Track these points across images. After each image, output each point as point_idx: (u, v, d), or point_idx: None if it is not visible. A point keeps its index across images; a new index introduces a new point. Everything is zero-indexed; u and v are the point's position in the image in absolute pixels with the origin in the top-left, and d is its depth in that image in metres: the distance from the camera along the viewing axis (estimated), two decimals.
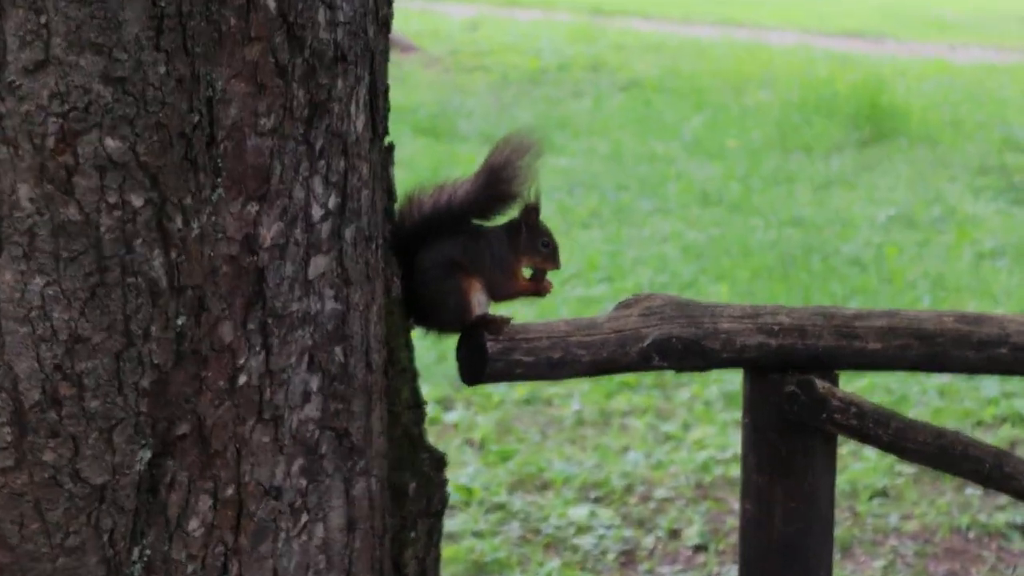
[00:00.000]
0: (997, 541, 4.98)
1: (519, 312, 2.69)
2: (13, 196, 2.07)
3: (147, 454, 2.19)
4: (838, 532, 4.80)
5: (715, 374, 6.06)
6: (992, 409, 5.96)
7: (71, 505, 2.15)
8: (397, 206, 2.65)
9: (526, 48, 15.77)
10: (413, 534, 2.67)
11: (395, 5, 2.59)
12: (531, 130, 2.67)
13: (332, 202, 2.36)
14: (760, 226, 8.88)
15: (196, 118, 2.17)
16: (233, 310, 2.24)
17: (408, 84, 13.38)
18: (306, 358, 2.34)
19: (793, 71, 14.45)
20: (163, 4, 2.11)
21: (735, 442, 5.50)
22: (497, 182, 2.60)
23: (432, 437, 5.56)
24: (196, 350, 2.22)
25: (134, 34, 2.09)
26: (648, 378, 6.23)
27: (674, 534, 5.00)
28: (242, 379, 2.27)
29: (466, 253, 2.60)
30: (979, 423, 5.88)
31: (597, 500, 5.23)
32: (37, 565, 2.15)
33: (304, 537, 2.38)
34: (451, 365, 2.68)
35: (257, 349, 2.28)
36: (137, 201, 2.13)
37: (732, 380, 6.03)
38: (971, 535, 5.01)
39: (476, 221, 2.65)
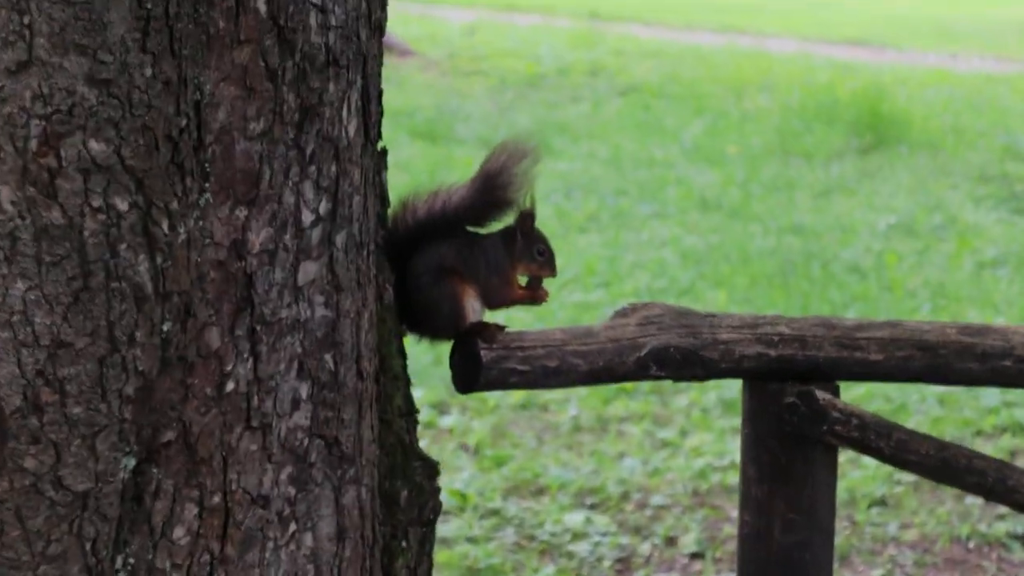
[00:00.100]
0: (997, 551, 4.94)
1: (515, 317, 2.66)
2: None
3: (131, 461, 2.16)
4: (836, 541, 4.76)
5: (713, 381, 6.03)
6: (992, 419, 5.93)
7: (53, 513, 2.11)
8: (391, 211, 2.62)
9: (525, 53, 15.76)
10: (404, 543, 2.64)
11: (393, 10, 2.56)
12: (528, 136, 2.64)
13: (323, 207, 2.32)
14: (759, 232, 8.86)
15: (183, 121, 2.13)
16: (220, 316, 2.21)
17: (405, 88, 13.37)
18: (295, 365, 2.31)
19: (794, 78, 14.45)
20: (149, 5, 2.08)
21: (733, 449, 5.48)
22: (493, 188, 2.58)
23: (427, 441, 5.56)
24: (182, 356, 2.18)
25: (119, 35, 2.06)
26: (646, 384, 6.20)
27: (670, 541, 4.97)
28: (229, 386, 2.23)
29: (461, 259, 2.58)
30: (979, 432, 5.85)
31: (593, 506, 5.20)
32: (18, 573, 2.12)
33: (292, 547, 2.34)
34: (446, 368, 2.67)
35: (245, 356, 2.24)
36: (122, 205, 2.09)
37: (730, 387, 6.00)
38: (971, 545, 4.97)
39: (471, 228, 2.62)
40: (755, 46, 17.21)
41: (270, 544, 2.31)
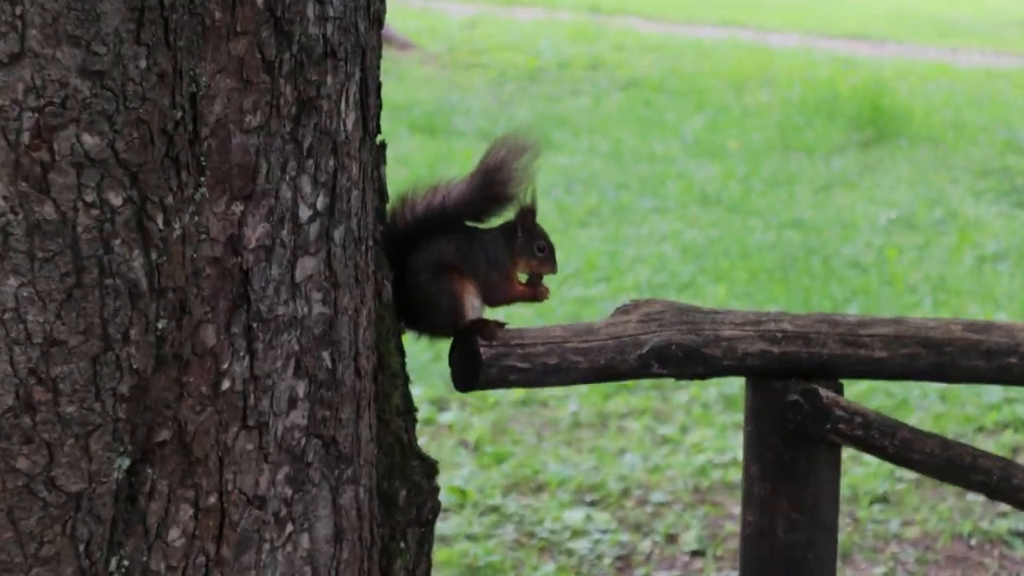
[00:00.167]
0: (999, 548, 4.92)
1: (515, 313, 2.63)
2: None
3: (125, 461, 2.13)
4: (838, 539, 4.74)
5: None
6: (994, 415, 5.91)
7: (45, 514, 2.08)
8: (389, 206, 2.59)
9: (525, 47, 15.72)
10: (403, 544, 2.61)
11: (393, 3, 2.52)
12: (528, 130, 2.61)
13: (320, 202, 2.29)
14: (760, 227, 8.84)
15: (179, 114, 2.10)
16: (216, 313, 2.18)
17: (405, 81, 13.33)
18: (292, 363, 2.28)
19: (795, 72, 14.42)
20: None
21: (734, 446, 5.45)
22: (492, 183, 2.55)
23: (426, 438, 5.53)
24: (177, 354, 2.15)
25: (113, 27, 2.03)
26: (646, 380, 6.16)
27: (671, 539, 4.94)
28: (225, 384, 2.20)
29: (460, 255, 2.55)
30: (981, 428, 5.83)
31: (593, 503, 5.18)
32: None
33: (289, 548, 2.31)
34: (445, 365, 2.64)
35: (241, 354, 2.21)
36: (116, 200, 2.06)
37: (731, 383, 5.98)
38: (973, 542, 4.95)
39: (471, 223, 2.59)
40: (756, 40, 17.18)
41: (266, 546, 2.28)
